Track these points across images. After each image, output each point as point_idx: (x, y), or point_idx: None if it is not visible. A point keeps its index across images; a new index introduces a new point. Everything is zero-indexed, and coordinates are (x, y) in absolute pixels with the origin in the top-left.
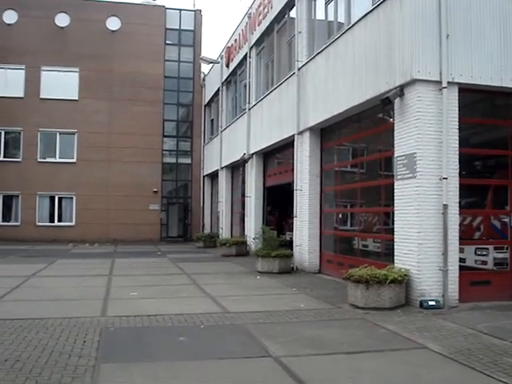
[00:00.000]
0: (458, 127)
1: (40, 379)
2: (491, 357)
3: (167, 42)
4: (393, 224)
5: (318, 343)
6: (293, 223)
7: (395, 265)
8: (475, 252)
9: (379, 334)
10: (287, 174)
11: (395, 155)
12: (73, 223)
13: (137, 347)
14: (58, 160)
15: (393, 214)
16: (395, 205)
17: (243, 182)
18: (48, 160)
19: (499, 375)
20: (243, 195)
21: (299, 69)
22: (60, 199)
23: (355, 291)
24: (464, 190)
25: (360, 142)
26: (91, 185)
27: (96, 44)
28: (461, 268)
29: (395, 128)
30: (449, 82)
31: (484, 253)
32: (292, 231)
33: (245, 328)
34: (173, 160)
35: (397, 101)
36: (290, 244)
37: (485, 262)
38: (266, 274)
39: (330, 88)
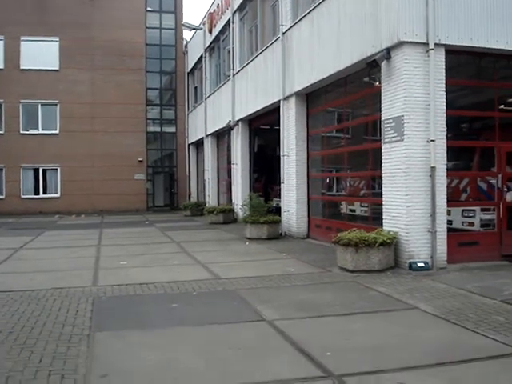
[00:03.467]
0: (445, 89)
1: (35, 349)
2: (481, 315)
3: (148, 8)
4: (380, 188)
5: (310, 306)
6: (279, 190)
7: (384, 228)
8: (462, 214)
9: (370, 295)
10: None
11: (382, 118)
12: (58, 195)
13: (130, 315)
14: (41, 132)
15: (380, 177)
16: (383, 168)
17: (229, 150)
18: (31, 132)
19: (489, 333)
20: (229, 163)
21: (284, 33)
22: (44, 171)
23: (345, 254)
24: (450, 153)
25: (346, 107)
26: (75, 156)
27: (76, 12)
28: (448, 230)
29: (382, 91)
30: (436, 44)
31: (471, 214)
32: (278, 198)
33: (237, 293)
34: (157, 129)
35: (384, 64)
36: (277, 210)
37: (471, 224)
38: (255, 240)
39: (315, 52)
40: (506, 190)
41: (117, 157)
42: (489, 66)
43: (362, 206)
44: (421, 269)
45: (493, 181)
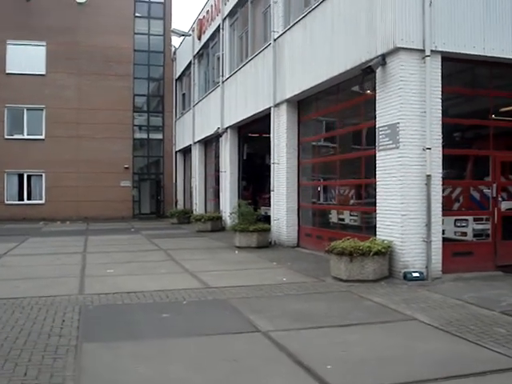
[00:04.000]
0: (441, 97)
1: (20, 361)
2: (482, 327)
3: (136, 14)
4: (372, 197)
5: (306, 317)
6: (267, 198)
7: (377, 237)
8: (454, 223)
9: (366, 306)
10: None
11: (377, 126)
12: (43, 201)
13: (119, 325)
14: (26, 137)
15: (372, 186)
16: (377, 176)
17: (217, 157)
18: (16, 137)
19: (493, 345)
20: (217, 170)
21: (275, 40)
22: (29, 177)
23: (338, 264)
24: (444, 161)
25: (338, 114)
26: (61, 162)
27: (63, 17)
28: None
29: (377, 98)
30: (432, 51)
31: (463, 224)
32: (267, 206)
33: (229, 303)
34: (144, 136)
35: (379, 70)
36: (265, 219)
37: (464, 234)
38: (244, 248)
39: (307, 59)
40: (500, 199)
41: (103, 163)
42: (484, 75)
43: (352, 215)
44: (416, 279)
45: (486, 190)
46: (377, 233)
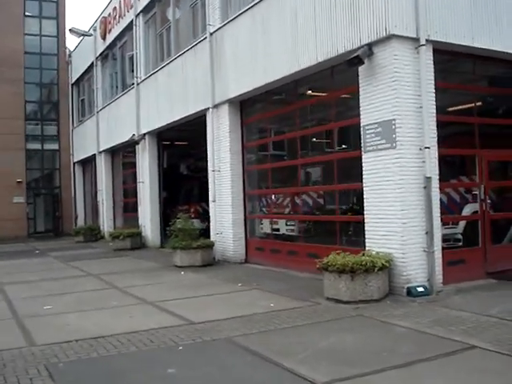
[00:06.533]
0: (434, 91)
1: None
2: None
3: (26, 13)
4: (334, 203)
5: (346, 357)
6: (184, 210)
7: (368, 248)
8: None
9: (400, 334)
10: None
11: (363, 124)
12: None
13: None
14: None
15: (341, 192)
16: (364, 180)
17: (127, 168)
18: None
19: None
20: (128, 182)
21: (212, 34)
22: None
23: (337, 283)
24: None
25: (292, 115)
26: None
27: None
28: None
29: (361, 92)
30: (426, 40)
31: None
32: (196, 218)
33: (236, 344)
34: (38, 146)
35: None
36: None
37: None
38: (188, 268)
39: (259, 53)
40: (489, 201)
41: None
42: (474, 69)
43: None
44: (421, 294)
45: (453, 194)
46: (366, 244)
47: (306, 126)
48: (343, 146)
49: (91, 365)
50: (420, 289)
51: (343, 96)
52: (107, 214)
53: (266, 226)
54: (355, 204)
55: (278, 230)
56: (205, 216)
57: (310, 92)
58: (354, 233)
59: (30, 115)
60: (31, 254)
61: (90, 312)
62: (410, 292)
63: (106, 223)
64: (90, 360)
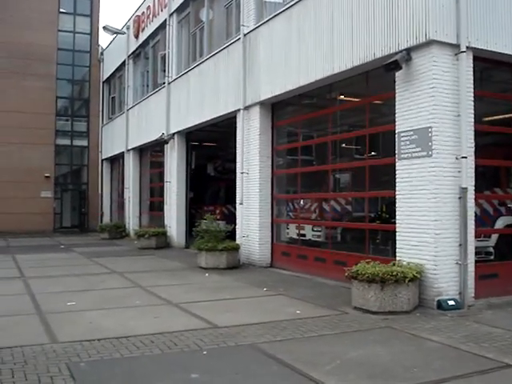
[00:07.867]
0: (473, 100)
1: None
2: None
3: (61, 10)
4: (363, 211)
5: (375, 370)
6: (209, 211)
7: (399, 259)
8: None
9: (432, 348)
10: None
11: (398, 130)
12: None
13: None
14: None
15: (370, 199)
16: (398, 189)
17: (155, 167)
18: None
19: None
20: (155, 181)
21: (245, 35)
22: None
23: (366, 292)
24: None
25: (326, 119)
26: None
27: None
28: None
29: (398, 98)
30: (467, 47)
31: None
32: (222, 220)
33: (261, 350)
34: (67, 142)
35: (403, 66)
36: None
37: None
38: (213, 270)
39: (293, 55)
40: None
41: (20, 171)
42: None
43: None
44: (451, 308)
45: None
46: (397, 254)
47: (338, 131)
48: (373, 153)
49: (113, 366)
50: (451, 302)
51: (376, 102)
52: (133, 212)
53: (291, 231)
54: (384, 212)
55: (304, 235)
56: (230, 218)
57: (342, 97)
58: (382, 241)
59: (60, 111)
60: (56, 249)
61: (114, 310)
62: (441, 305)
63: (131, 221)
64: (113, 361)
